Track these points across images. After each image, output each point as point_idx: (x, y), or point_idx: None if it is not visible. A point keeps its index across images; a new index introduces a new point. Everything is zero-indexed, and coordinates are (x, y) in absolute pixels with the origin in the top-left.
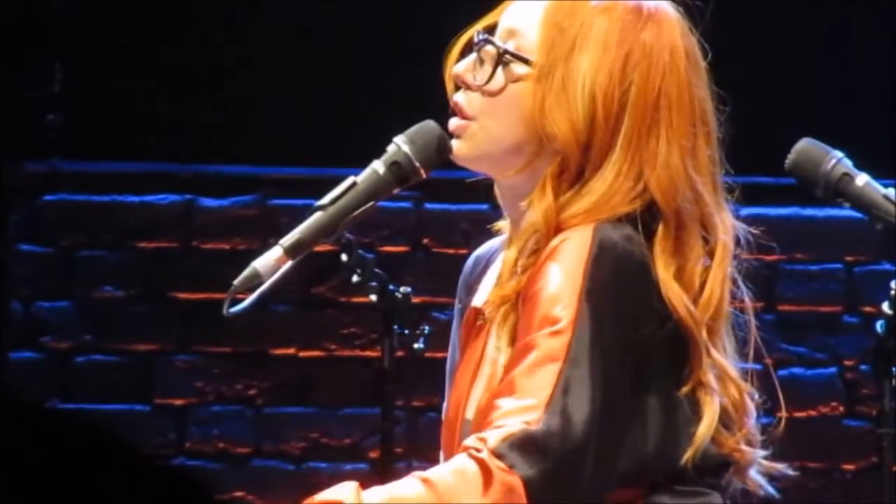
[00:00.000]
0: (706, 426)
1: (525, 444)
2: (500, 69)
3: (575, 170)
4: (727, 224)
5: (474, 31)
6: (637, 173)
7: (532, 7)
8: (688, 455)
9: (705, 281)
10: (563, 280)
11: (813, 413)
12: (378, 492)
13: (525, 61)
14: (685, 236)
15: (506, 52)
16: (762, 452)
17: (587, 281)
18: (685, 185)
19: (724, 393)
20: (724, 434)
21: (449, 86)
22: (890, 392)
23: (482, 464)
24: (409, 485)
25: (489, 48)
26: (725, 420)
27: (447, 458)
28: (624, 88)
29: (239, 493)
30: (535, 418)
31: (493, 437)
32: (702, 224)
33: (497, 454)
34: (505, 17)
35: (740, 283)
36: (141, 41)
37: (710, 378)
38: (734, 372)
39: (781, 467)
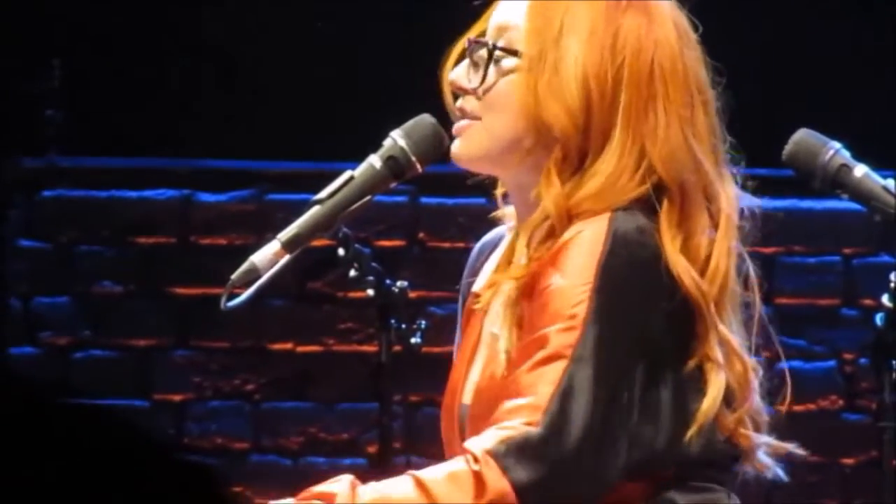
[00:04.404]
0: (710, 402)
1: (522, 448)
2: (492, 67)
3: (577, 155)
4: (730, 195)
5: (465, 40)
6: (639, 150)
7: (517, 3)
8: (691, 432)
9: (711, 253)
10: (576, 275)
11: (812, 407)
12: (371, 490)
13: (514, 53)
14: (690, 208)
15: (495, 47)
16: (766, 438)
17: (600, 276)
18: (686, 156)
19: (730, 369)
20: (726, 412)
21: (448, 98)
22: (889, 385)
23: (476, 471)
24: (402, 485)
25: (480, 50)
26: (728, 397)
27: (447, 443)
28: (616, 66)
29: (237, 489)
30: (536, 419)
31: (492, 438)
32: (705, 195)
33: (494, 455)
34: (493, 17)
35: (746, 256)
36: (140, 37)
37: (717, 353)
38: (740, 348)
39: (790, 447)
